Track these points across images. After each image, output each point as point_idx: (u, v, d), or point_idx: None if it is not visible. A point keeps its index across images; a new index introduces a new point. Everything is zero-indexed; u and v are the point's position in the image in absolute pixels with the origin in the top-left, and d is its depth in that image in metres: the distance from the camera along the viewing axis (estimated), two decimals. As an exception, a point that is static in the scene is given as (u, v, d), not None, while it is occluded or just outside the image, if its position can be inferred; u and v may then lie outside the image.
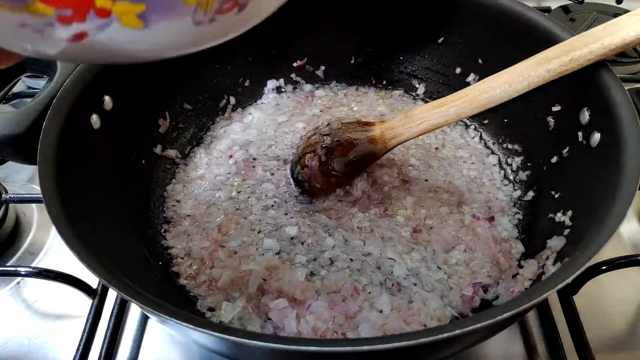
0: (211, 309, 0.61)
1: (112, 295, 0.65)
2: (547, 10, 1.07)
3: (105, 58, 0.32)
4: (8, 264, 0.71)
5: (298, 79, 0.91)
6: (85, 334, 0.59)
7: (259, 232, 0.68)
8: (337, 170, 0.69)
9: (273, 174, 0.76)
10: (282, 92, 0.90)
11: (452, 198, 0.72)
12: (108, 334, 0.61)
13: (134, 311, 0.66)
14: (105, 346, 0.60)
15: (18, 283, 0.70)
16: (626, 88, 0.55)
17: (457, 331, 0.37)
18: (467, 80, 0.81)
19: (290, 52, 0.89)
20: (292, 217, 0.70)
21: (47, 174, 0.50)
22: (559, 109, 0.66)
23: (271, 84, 0.90)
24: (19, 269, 0.65)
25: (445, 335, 0.37)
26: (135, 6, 0.29)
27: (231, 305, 0.59)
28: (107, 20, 0.29)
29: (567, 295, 0.62)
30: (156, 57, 0.32)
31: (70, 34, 0.29)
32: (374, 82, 0.91)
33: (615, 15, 0.93)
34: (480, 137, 0.82)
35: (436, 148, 0.80)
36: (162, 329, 0.64)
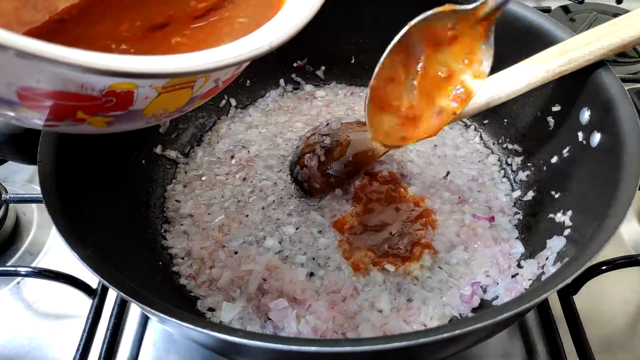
0: (211, 309, 0.61)
1: (112, 295, 0.65)
2: (547, 10, 1.07)
3: (67, 132, 0.40)
4: (8, 264, 0.71)
5: (298, 79, 0.91)
6: (85, 334, 0.59)
7: (259, 232, 0.68)
8: (336, 170, 0.69)
9: (273, 174, 0.76)
10: (282, 92, 0.90)
11: (453, 197, 0.72)
12: (108, 334, 0.61)
13: (134, 311, 0.66)
14: (105, 346, 0.60)
15: (18, 283, 0.70)
16: (626, 88, 0.55)
17: (457, 331, 0.37)
18: (467, 80, 0.81)
19: (290, 52, 0.89)
20: (291, 217, 0.70)
21: (47, 174, 0.50)
22: (559, 109, 0.66)
23: (271, 84, 0.90)
24: (19, 269, 0.65)
25: (445, 335, 0.37)
26: (106, 118, 0.37)
27: (231, 305, 0.59)
28: (79, 123, 0.36)
29: (567, 295, 0.62)
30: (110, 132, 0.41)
31: (44, 125, 0.37)
32: (374, 82, 0.91)
33: (615, 15, 0.93)
34: (480, 137, 0.82)
35: (435, 145, 0.80)
36: (162, 329, 0.64)
